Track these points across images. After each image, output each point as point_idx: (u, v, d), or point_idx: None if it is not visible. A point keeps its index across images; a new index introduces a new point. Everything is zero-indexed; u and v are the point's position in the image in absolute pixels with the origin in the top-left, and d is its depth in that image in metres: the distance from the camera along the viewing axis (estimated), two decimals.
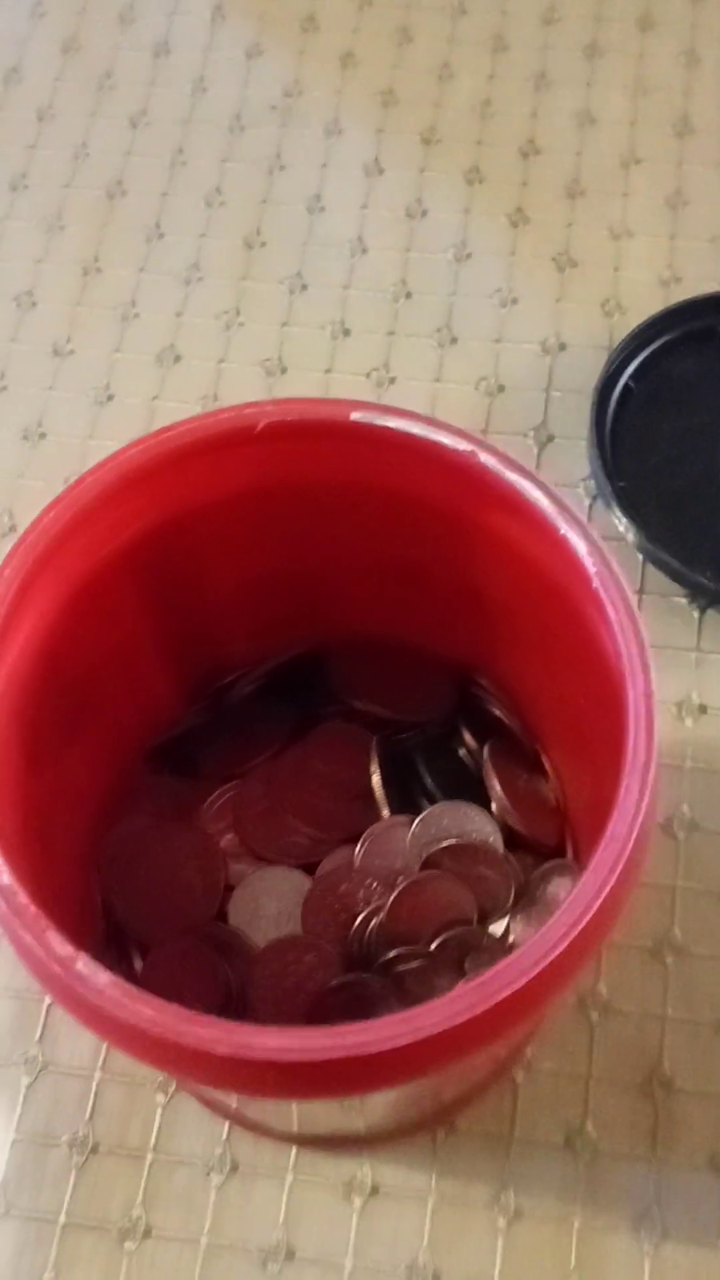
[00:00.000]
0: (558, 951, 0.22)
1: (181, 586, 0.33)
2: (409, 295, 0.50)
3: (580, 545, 0.26)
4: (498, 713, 0.36)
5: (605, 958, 0.39)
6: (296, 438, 0.28)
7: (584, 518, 0.27)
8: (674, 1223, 0.36)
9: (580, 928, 0.22)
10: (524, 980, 0.22)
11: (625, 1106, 0.37)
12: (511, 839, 0.35)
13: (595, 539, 0.26)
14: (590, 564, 0.26)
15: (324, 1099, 0.24)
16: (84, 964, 0.23)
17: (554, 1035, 0.38)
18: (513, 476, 0.27)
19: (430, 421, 0.28)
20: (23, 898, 0.24)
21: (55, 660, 0.30)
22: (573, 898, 0.23)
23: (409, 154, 0.54)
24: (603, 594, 0.26)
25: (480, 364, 0.49)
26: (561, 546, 0.27)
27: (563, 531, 0.26)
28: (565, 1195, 0.37)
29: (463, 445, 0.27)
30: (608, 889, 0.23)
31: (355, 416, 0.28)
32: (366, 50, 0.56)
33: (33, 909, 0.24)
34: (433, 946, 0.33)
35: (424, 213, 0.52)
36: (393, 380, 0.49)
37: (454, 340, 0.50)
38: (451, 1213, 0.37)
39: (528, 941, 0.22)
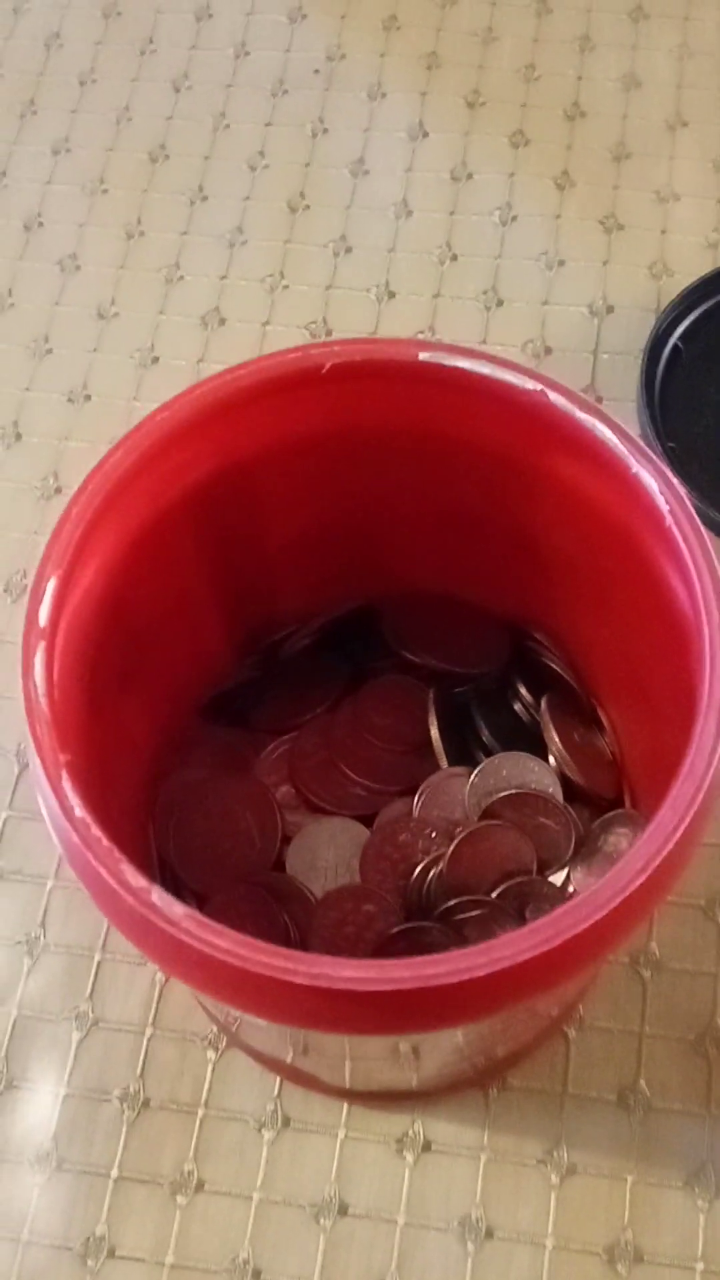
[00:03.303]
0: (641, 880, 0.22)
1: (239, 538, 0.33)
2: (454, 258, 0.50)
3: (653, 483, 0.26)
4: (553, 665, 0.36)
5: (657, 915, 0.39)
6: (362, 378, 0.28)
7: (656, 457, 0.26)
8: None
9: (664, 855, 0.22)
10: (607, 910, 0.22)
11: (678, 1063, 0.37)
12: (569, 792, 0.35)
13: (669, 477, 0.26)
14: (664, 502, 0.26)
15: (398, 1034, 0.24)
16: (158, 895, 0.23)
17: (606, 993, 0.38)
18: (583, 416, 0.27)
19: (499, 361, 0.27)
20: (96, 830, 0.24)
21: (117, 607, 0.30)
22: (652, 829, 0.22)
23: (453, 117, 0.53)
24: (675, 532, 0.26)
25: (527, 326, 0.49)
26: (633, 486, 0.27)
27: (635, 470, 0.26)
28: (618, 1152, 0.37)
29: (531, 384, 0.27)
30: (688, 820, 0.22)
31: (423, 356, 0.27)
32: (409, 14, 0.56)
33: (106, 842, 0.24)
34: (493, 896, 0.32)
35: (469, 176, 0.52)
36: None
37: (500, 303, 0.49)
38: (504, 1169, 0.36)
39: (608, 874, 0.22)
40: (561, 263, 0.50)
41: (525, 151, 0.52)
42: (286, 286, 0.50)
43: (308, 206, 0.52)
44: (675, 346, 0.47)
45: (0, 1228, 0.36)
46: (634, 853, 0.22)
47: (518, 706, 0.36)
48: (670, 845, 0.22)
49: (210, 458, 0.29)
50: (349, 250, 0.50)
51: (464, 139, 0.53)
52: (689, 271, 0.48)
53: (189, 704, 0.37)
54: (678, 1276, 0.35)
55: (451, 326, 0.49)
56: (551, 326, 0.49)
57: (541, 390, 0.27)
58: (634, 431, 0.45)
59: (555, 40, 0.55)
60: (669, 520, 0.26)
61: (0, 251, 0.51)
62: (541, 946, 0.22)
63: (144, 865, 0.34)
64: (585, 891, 0.23)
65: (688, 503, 0.26)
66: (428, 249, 0.50)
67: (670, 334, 0.47)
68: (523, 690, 0.36)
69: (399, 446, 0.30)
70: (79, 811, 0.24)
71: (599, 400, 0.47)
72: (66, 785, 0.24)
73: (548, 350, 0.48)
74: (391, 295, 0.50)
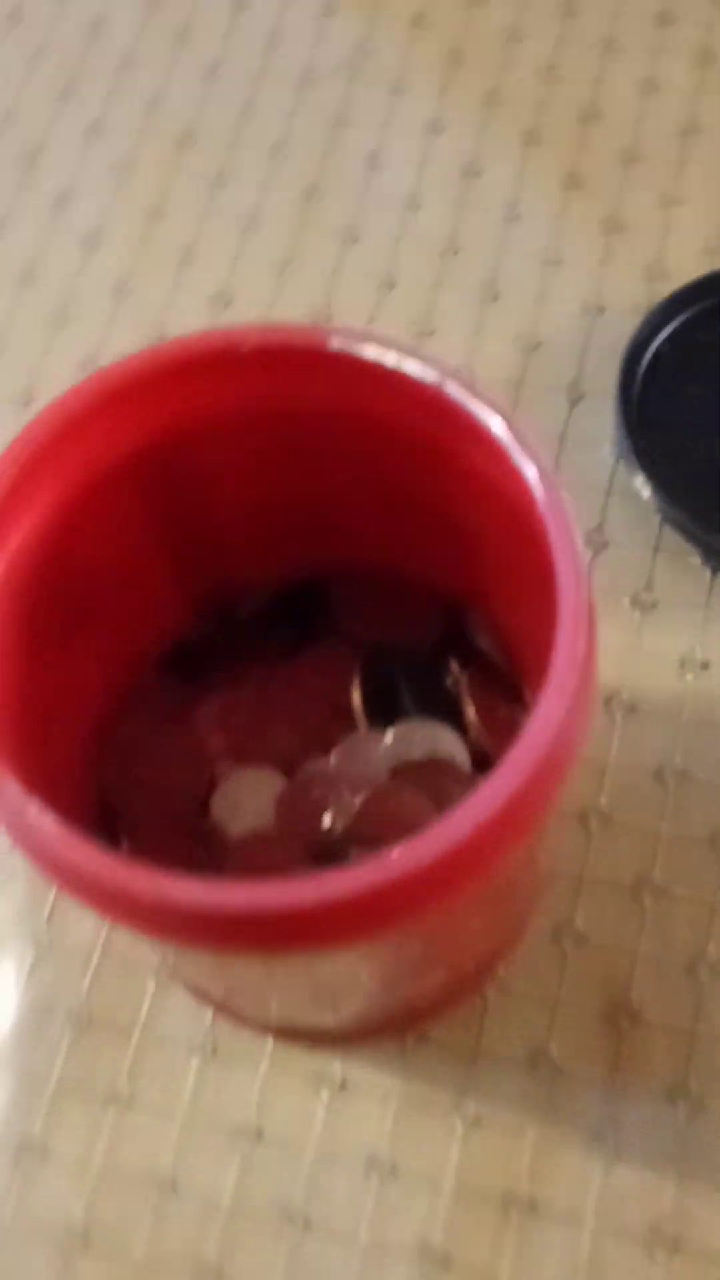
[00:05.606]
0: (519, 785, 0.24)
1: (187, 505, 0.36)
2: (457, 252, 0.52)
3: (530, 472, 0.28)
4: (481, 644, 0.38)
5: (583, 894, 0.41)
6: (280, 362, 0.30)
7: (542, 451, 0.28)
8: (627, 1146, 0.38)
9: (536, 765, 0.24)
10: (466, 836, 0.24)
11: (589, 1033, 0.39)
12: (484, 764, 0.37)
13: (546, 469, 0.28)
14: (539, 491, 0.28)
15: (239, 955, 0.26)
16: (34, 812, 0.26)
17: (527, 959, 0.40)
18: (475, 408, 0.29)
19: (404, 350, 0.29)
20: None
21: (58, 562, 0.33)
22: (526, 737, 0.24)
23: (470, 114, 0.55)
24: (549, 518, 0.28)
25: (520, 321, 0.50)
26: (519, 476, 0.28)
27: (516, 461, 0.28)
28: (523, 1109, 0.38)
29: (431, 375, 0.29)
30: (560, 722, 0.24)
31: (334, 344, 0.30)
32: (438, 11, 0.57)
33: None
34: None
35: (479, 172, 0.54)
36: (433, 333, 0.50)
37: (496, 297, 0.51)
38: (414, 1114, 0.38)
39: (479, 786, 0.24)
40: (560, 261, 0.51)
41: (537, 151, 0.54)
42: (294, 272, 0.52)
43: (322, 196, 0.54)
44: (658, 349, 0.48)
45: None
46: (511, 757, 0.25)
47: (449, 682, 0.38)
48: (548, 747, 0.24)
49: (144, 426, 0.32)
50: (356, 240, 0.53)
51: (479, 136, 0.54)
52: (685, 276, 0.50)
53: (141, 658, 0.39)
54: (565, 1231, 0.37)
55: (447, 318, 0.51)
56: (544, 322, 0.50)
57: (439, 381, 0.29)
58: (610, 428, 0.47)
59: (579, 42, 0.56)
60: (542, 508, 0.28)
61: (30, 227, 0.54)
62: (428, 859, 0.24)
63: (86, 807, 0.37)
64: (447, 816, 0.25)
65: (560, 495, 0.28)
66: (432, 242, 0.52)
67: (655, 336, 0.48)
68: (453, 666, 0.38)
69: (326, 428, 0.33)
70: None
71: (581, 396, 0.49)
72: None
73: (537, 345, 0.50)
74: (393, 285, 0.52)
